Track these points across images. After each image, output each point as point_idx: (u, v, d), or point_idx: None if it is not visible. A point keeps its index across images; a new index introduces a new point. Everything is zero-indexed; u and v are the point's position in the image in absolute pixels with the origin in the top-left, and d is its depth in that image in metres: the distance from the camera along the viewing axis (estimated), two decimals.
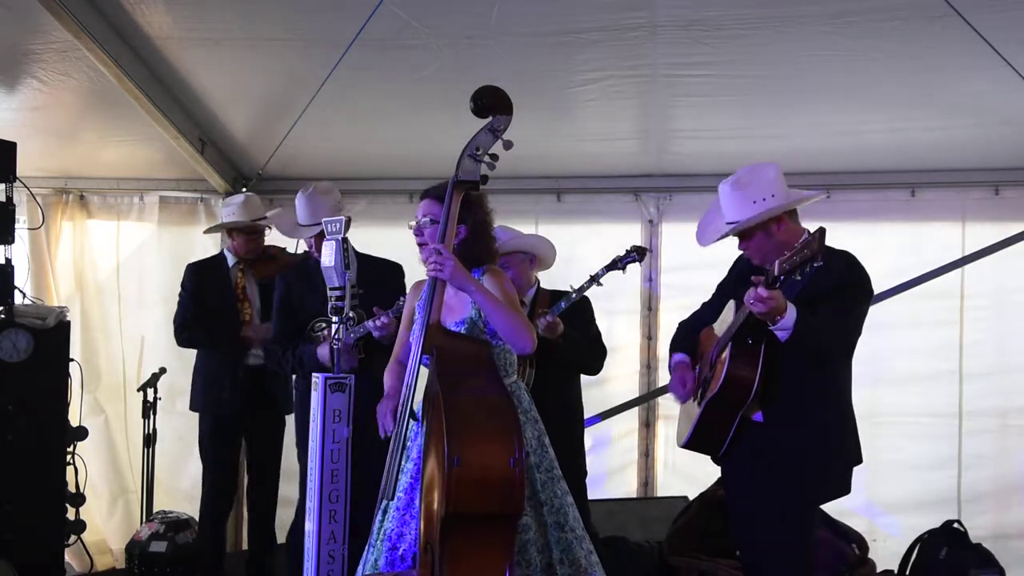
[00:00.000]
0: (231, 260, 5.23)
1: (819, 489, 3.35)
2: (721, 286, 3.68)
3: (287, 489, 5.17)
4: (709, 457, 3.56)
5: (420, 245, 3.39)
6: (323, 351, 4.19)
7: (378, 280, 4.33)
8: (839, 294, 3.22)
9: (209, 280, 5.20)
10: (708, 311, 3.66)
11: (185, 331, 5.17)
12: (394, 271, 4.51)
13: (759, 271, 3.19)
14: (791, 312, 3.07)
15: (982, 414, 5.55)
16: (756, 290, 3.01)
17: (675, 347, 3.70)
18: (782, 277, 2.95)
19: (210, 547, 5.20)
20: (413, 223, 3.42)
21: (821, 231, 2.92)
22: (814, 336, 3.14)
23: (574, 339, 4.45)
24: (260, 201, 5.36)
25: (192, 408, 5.25)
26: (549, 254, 4.69)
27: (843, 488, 3.38)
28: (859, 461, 3.43)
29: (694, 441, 3.45)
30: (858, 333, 3.32)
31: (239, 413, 5.09)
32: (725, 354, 3.27)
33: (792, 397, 3.26)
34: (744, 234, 3.38)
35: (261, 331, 5.04)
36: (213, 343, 5.17)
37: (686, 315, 3.77)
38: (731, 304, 3.41)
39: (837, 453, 3.33)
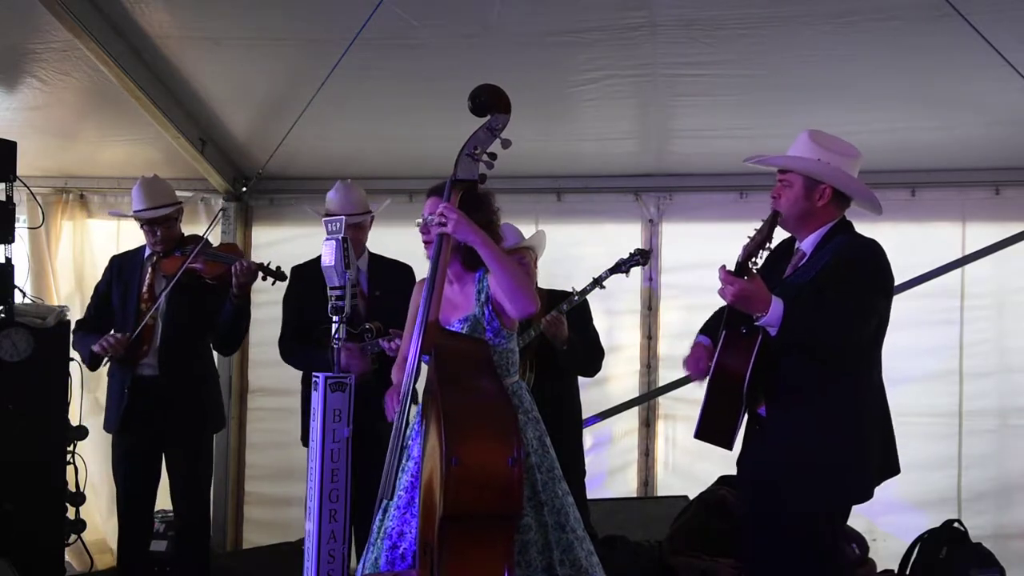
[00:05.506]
0: (147, 252, 4.72)
1: (818, 495, 3.13)
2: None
3: (293, 488, 5.15)
4: (715, 456, 3.47)
5: (426, 243, 3.38)
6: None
7: (390, 282, 4.37)
8: (842, 284, 3.04)
9: (121, 275, 4.73)
10: None
11: (74, 334, 4.77)
12: (405, 273, 4.50)
13: (783, 259, 3.11)
14: (776, 307, 2.93)
15: (982, 414, 5.54)
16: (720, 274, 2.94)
17: (703, 329, 3.50)
18: (745, 263, 2.90)
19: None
20: (420, 221, 3.42)
21: (773, 215, 2.85)
22: (805, 333, 3.00)
23: (573, 350, 4.47)
24: (165, 188, 4.76)
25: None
26: (543, 245, 4.74)
27: (856, 495, 3.19)
28: (889, 468, 3.24)
29: (702, 430, 3.28)
30: (870, 326, 3.12)
31: (139, 432, 4.59)
32: (720, 341, 3.18)
33: (791, 393, 3.12)
34: (788, 175, 3.25)
35: (117, 345, 4.48)
36: (77, 348, 4.74)
37: (686, 315, 3.74)
38: None
39: (840, 457, 3.11)
